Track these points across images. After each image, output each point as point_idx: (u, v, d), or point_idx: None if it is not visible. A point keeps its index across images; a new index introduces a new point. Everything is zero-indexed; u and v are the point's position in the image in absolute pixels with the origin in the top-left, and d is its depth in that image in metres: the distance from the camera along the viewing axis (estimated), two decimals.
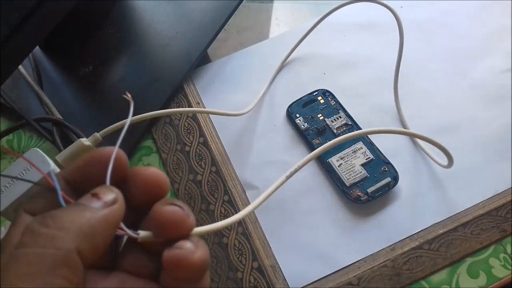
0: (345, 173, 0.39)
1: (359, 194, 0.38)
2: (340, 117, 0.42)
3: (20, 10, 0.34)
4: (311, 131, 0.42)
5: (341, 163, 0.40)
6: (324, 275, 0.37)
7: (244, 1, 0.50)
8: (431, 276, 0.36)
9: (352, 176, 0.39)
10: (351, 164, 0.40)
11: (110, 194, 0.18)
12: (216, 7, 0.49)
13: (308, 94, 0.44)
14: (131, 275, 0.20)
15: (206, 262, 0.19)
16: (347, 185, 0.39)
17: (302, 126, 0.42)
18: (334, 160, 0.40)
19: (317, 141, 0.41)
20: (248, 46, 0.49)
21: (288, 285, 0.36)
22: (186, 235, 0.19)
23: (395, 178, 0.39)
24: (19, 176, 0.29)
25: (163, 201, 0.20)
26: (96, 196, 0.18)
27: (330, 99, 0.44)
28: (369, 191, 0.38)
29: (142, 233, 0.19)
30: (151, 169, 0.20)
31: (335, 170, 0.40)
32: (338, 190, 0.39)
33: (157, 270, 0.20)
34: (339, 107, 0.43)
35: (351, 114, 0.43)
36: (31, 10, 0.35)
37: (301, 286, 0.36)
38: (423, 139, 0.33)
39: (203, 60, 0.48)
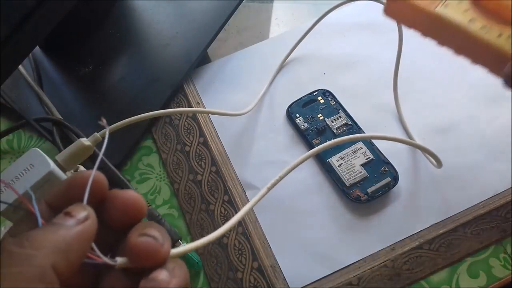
0: (345, 173, 0.39)
1: (359, 194, 0.38)
2: (340, 117, 0.42)
3: (20, 10, 0.34)
4: (311, 131, 0.42)
5: (341, 163, 0.40)
6: (324, 275, 0.37)
7: (244, 1, 0.50)
8: (431, 276, 0.36)
9: (352, 176, 0.39)
10: (351, 164, 0.40)
11: (82, 211, 0.19)
12: (216, 7, 0.49)
13: (308, 94, 0.44)
14: None
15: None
16: (347, 185, 0.39)
17: (302, 126, 0.42)
18: (334, 160, 0.40)
19: (317, 141, 0.41)
20: (248, 46, 0.49)
21: (288, 285, 0.36)
22: (161, 263, 0.20)
23: (395, 178, 0.39)
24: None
25: (138, 229, 0.20)
26: (69, 214, 0.19)
27: (330, 99, 0.44)
28: (369, 191, 0.38)
29: (120, 260, 0.20)
30: (129, 192, 0.21)
31: (335, 170, 0.40)
32: (338, 190, 0.39)
33: None
34: (339, 107, 0.43)
35: (351, 114, 0.43)
36: (31, 10, 0.35)
37: (301, 286, 0.36)
38: (410, 145, 0.33)
39: (203, 60, 0.48)
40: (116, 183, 0.41)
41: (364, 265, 0.37)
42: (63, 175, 0.30)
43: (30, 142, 0.46)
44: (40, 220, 0.19)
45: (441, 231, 0.37)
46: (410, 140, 0.33)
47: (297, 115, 0.43)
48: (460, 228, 0.37)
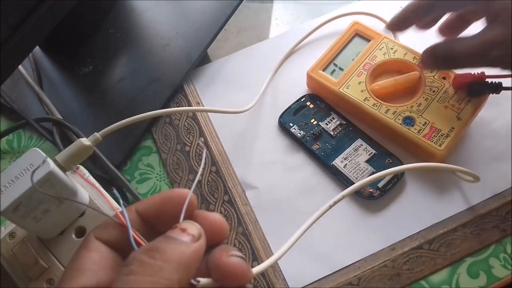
0: (351, 172, 0.39)
1: (371, 191, 0.38)
2: (334, 118, 0.42)
3: (20, 10, 0.34)
4: (308, 138, 0.42)
5: (346, 164, 0.40)
6: (324, 275, 0.37)
7: (244, 1, 0.50)
8: (431, 276, 0.36)
9: (360, 174, 0.39)
10: (356, 163, 0.40)
11: (195, 229, 0.21)
12: (216, 7, 0.49)
13: (296, 102, 0.44)
14: None
15: None
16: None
17: (299, 134, 0.42)
18: (338, 162, 0.40)
19: (317, 146, 0.41)
20: (248, 46, 0.49)
21: (288, 285, 0.36)
22: (247, 283, 0.21)
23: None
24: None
25: (224, 249, 0.21)
26: (185, 231, 0.20)
27: (319, 103, 0.43)
28: (379, 186, 0.38)
29: (203, 281, 0.20)
30: (216, 215, 0.22)
31: (341, 172, 0.39)
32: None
33: None
34: (330, 108, 0.43)
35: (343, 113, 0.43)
36: (31, 10, 0.35)
37: (301, 286, 0.36)
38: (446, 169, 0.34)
39: (203, 60, 0.48)
40: (116, 183, 0.41)
41: (364, 265, 0.37)
42: (63, 175, 0.30)
43: (30, 142, 0.46)
44: (133, 241, 0.20)
45: (441, 231, 0.37)
46: (447, 165, 0.34)
47: (291, 124, 0.43)
48: (460, 228, 0.37)
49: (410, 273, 0.36)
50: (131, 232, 0.21)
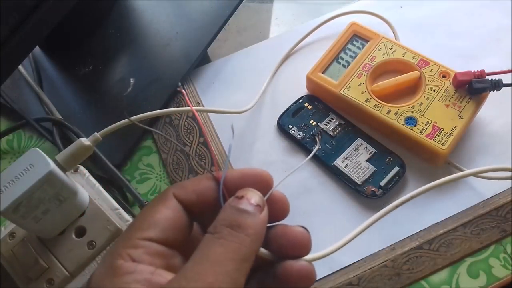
0: (353, 172, 0.39)
1: (373, 189, 0.38)
2: (332, 119, 0.42)
3: (20, 10, 0.34)
4: (307, 139, 0.42)
5: (347, 163, 0.40)
6: (324, 275, 0.37)
7: (244, 1, 0.50)
8: (431, 276, 0.36)
9: (361, 174, 0.39)
10: (357, 162, 0.40)
11: (259, 198, 0.22)
12: (216, 7, 0.49)
13: (294, 103, 0.44)
14: None
15: None
16: (359, 183, 0.39)
17: (298, 136, 0.42)
18: (339, 162, 0.40)
19: (317, 147, 0.41)
20: (248, 46, 0.49)
21: None
22: (302, 256, 0.23)
23: (402, 166, 0.39)
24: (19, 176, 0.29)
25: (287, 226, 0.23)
26: (250, 200, 0.22)
27: (317, 103, 0.43)
28: (381, 184, 0.38)
29: (262, 250, 0.22)
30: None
31: (343, 172, 0.39)
32: (350, 190, 0.39)
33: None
34: (328, 109, 0.43)
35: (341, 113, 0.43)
36: (31, 10, 0.35)
37: None
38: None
39: (203, 60, 0.48)
40: (116, 183, 0.41)
41: (364, 265, 0.37)
42: (63, 175, 0.30)
43: (30, 142, 0.46)
44: (222, 200, 0.22)
45: (441, 231, 0.37)
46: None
47: (290, 126, 0.42)
48: (460, 228, 0.37)
49: (410, 273, 0.36)
50: (221, 191, 0.22)
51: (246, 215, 0.21)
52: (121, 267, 0.20)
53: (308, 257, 0.23)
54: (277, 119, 0.43)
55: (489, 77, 0.39)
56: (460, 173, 0.28)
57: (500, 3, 0.48)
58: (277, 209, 0.24)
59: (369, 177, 0.39)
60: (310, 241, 0.23)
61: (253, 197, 0.22)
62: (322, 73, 0.43)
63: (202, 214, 0.24)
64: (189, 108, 0.45)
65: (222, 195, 0.23)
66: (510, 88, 0.39)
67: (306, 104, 0.43)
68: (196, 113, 0.39)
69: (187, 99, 0.45)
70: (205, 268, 0.19)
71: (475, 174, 0.29)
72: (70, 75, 0.49)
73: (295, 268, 0.22)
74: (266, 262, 0.23)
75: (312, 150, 0.40)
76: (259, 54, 0.48)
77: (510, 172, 0.37)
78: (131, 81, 0.46)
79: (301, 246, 0.23)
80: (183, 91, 0.45)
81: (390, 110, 0.40)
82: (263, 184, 0.23)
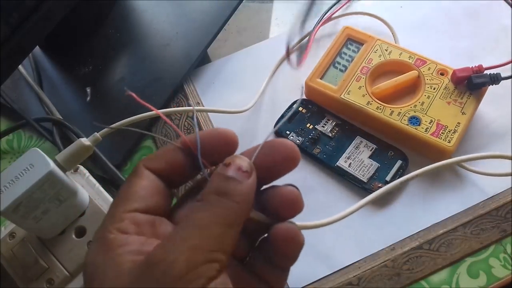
0: (357, 170, 0.39)
1: (379, 185, 0.38)
2: (329, 120, 0.42)
3: (20, 10, 0.34)
4: (307, 143, 0.42)
5: (350, 163, 0.40)
6: (324, 275, 0.37)
7: (244, 1, 0.50)
8: (431, 276, 0.36)
9: (366, 171, 0.39)
10: (360, 160, 0.40)
11: (247, 165, 0.22)
12: (216, 7, 0.49)
13: (288, 109, 0.43)
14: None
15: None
16: (365, 180, 0.39)
17: (297, 141, 0.41)
18: (342, 162, 0.40)
19: (318, 150, 0.41)
20: (248, 46, 0.49)
21: (288, 285, 0.36)
22: (295, 214, 0.23)
23: (405, 159, 0.39)
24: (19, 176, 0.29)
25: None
26: (240, 169, 0.22)
27: (311, 107, 0.43)
28: (387, 179, 0.38)
29: (255, 213, 0.23)
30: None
31: (347, 171, 0.39)
32: (357, 189, 0.39)
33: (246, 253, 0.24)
34: (323, 110, 0.43)
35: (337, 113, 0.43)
36: (31, 10, 0.35)
37: (301, 286, 0.36)
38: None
39: (203, 60, 0.48)
40: (116, 183, 0.41)
41: (364, 265, 0.37)
42: (63, 175, 0.30)
43: (30, 142, 0.46)
44: (202, 164, 0.23)
45: (441, 231, 0.37)
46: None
47: (288, 132, 0.42)
48: (460, 228, 0.37)
49: (410, 273, 0.36)
50: (200, 156, 0.23)
51: (234, 182, 0.21)
52: (112, 242, 0.21)
53: (306, 224, 0.23)
54: (273, 125, 0.43)
55: (487, 72, 0.39)
56: (458, 158, 0.30)
57: (500, 3, 0.48)
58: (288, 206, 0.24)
59: (374, 174, 0.39)
60: (301, 198, 0.23)
61: (240, 163, 0.22)
62: (320, 78, 0.43)
63: (177, 181, 0.25)
64: (189, 108, 0.45)
65: (201, 163, 0.23)
66: (509, 81, 0.40)
67: (300, 109, 0.43)
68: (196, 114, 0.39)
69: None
70: (191, 232, 0.20)
71: (474, 159, 0.30)
72: (70, 75, 0.49)
73: (281, 231, 0.22)
74: (266, 225, 0.23)
75: (314, 153, 0.41)
76: (259, 54, 0.48)
77: (510, 167, 0.38)
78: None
79: (292, 204, 0.23)
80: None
81: (392, 111, 0.40)
82: (228, 142, 0.24)
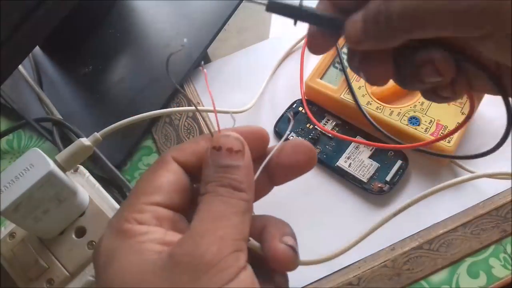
0: (357, 170, 0.39)
1: (380, 185, 0.38)
2: (329, 120, 0.42)
3: (20, 10, 0.34)
4: None
5: (350, 163, 0.40)
6: (324, 275, 0.37)
7: (244, 1, 0.50)
8: (431, 276, 0.36)
9: (366, 171, 0.39)
10: (360, 160, 0.40)
11: (238, 143, 0.22)
12: (216, 7, 0.49)
13: (287, 109, 0.44)
14: None
15: None
16: (365, 180, 0.39)
17: None
18: (342, 162, 0.40)
19: (318, 150, 0.41)
20: (248, 46, 0.49)
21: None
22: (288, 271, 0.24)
23: (405, 159, 0.39)
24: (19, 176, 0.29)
25: (279, 231, 0.23)
26: (232, 151, 0.22)
27: (311, 106, 0.43)
28: (387, 180, 0.38)
29: (252, 242, 0.23)
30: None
31: (347, 172, 0.39)
32: (357, 189, 0.39)
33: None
34: (323, 110, 0.43)
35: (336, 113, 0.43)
36: (31, 10, 0.35)
37: (301, 286, 0.36)
38: None
39: (203, 60, 0.48)
40: (116, 183, 0.41)
41: (364, 265, 0.37)
42: (63, 175, 0.30)
43: (30, 142, 0.46)
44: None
45: (441, 231, 0.37)
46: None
47: (287, 132, 0.42)
48: (460, 228, 0.37)
49: (410, 273, 0.36)
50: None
51: (232, 169, 0.21)
52: (131, 230, 0.20)
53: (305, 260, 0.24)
54: (273, 125, 0.43)
55: None
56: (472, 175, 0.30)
57: None
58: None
59: (374, 174, 0.39)
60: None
61: (230, 143, 0.22)
62: (320, 79, 0.42)
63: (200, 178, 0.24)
64: (189, 108, 0.45)
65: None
66: None
67: (300, 109, 0.43)
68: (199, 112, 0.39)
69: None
70: (213, 224, 0.20)
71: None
72: (70, 75, 0.49)
73: (277, 254, 0.23)
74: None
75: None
76: (259, 54, 0.48)
77: (511, 167, 0.38)
78: (185, 41, 0.47)
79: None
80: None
81: (392, 112, 0.40)
82: (261, 140, 0.25)
